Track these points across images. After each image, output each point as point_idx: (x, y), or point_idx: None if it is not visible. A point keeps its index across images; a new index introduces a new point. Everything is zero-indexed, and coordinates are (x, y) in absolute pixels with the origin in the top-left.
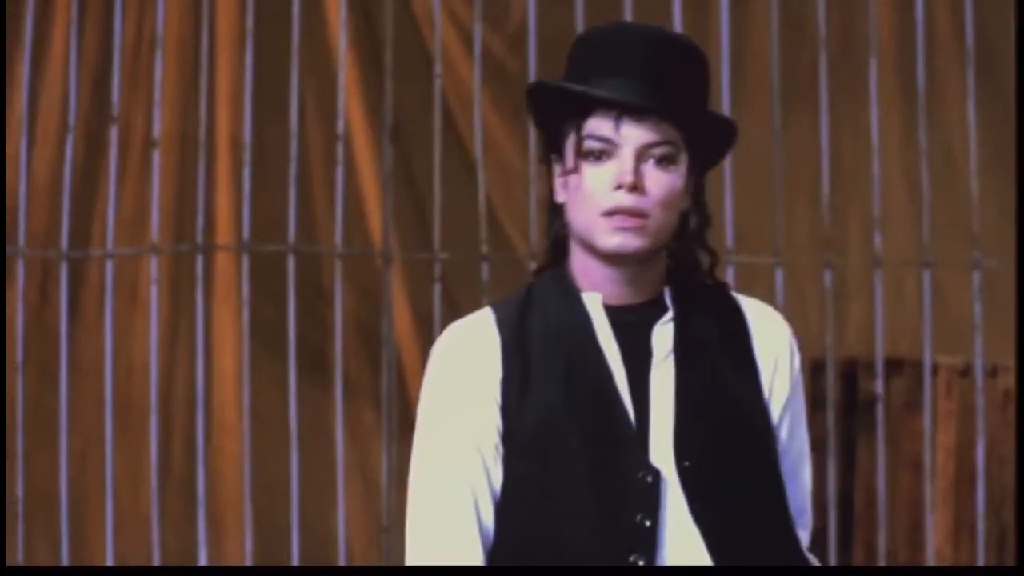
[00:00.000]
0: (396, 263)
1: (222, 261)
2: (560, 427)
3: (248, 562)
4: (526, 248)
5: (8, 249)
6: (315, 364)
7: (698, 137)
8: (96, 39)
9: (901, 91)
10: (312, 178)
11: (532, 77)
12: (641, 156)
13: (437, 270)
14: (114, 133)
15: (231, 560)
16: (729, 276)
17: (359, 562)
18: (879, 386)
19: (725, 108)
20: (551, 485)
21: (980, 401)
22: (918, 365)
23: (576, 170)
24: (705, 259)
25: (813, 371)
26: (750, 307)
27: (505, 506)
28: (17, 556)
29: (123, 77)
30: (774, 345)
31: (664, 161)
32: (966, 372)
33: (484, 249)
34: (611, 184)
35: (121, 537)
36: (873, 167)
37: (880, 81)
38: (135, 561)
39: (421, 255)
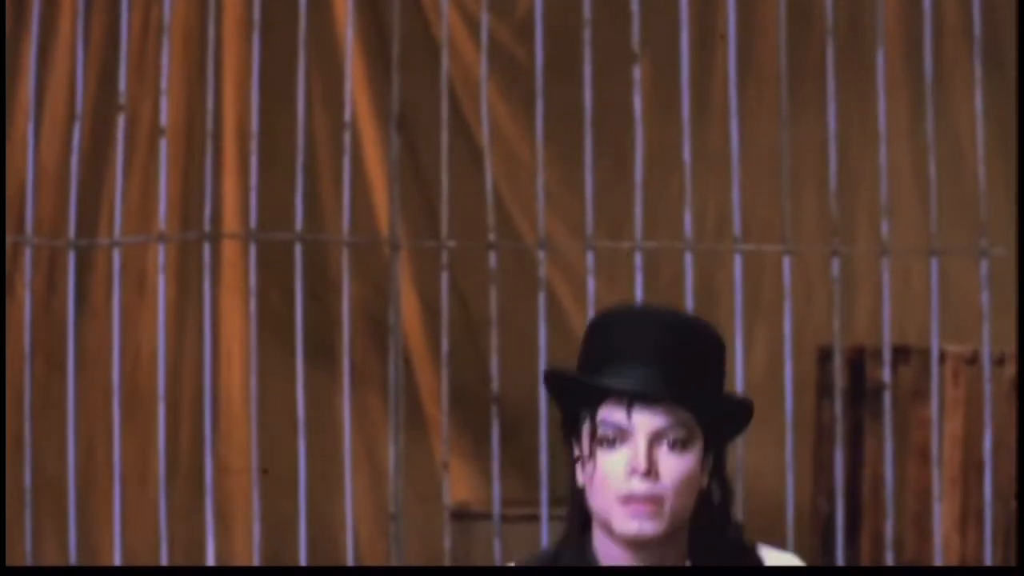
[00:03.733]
0: (403, 251)
1: (229, 249)
2: None
3: (256, 550)
4: (533, 236)
5: (16, 238)
6: (322, 353)
7: (712, 419)
8: (103, 27)
9: (908, 80)
10: (319, 166)
11: (539, 65)
12: (654, 441)
13: (444, 258)
14: (121, 122)
15: (239, 548)
16: (736, 265)
17: (367, 550)
18: (886, 374)
19: (732, 99)
20: None
21: (987, 389)
22: (925, 353)
23: (592, 456)
24: (732, 531)
25: (820, 359)
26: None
27: None
28: (25, 545)
29: (130, 66)
30: None
31: (677, 445)
32: (973, 360)
33: (491, 237)
34: (625, 470)
35: (129, 526)
36: (880, 156)
37: (887, 70)
38: (142, 549)
39: (428, 243)
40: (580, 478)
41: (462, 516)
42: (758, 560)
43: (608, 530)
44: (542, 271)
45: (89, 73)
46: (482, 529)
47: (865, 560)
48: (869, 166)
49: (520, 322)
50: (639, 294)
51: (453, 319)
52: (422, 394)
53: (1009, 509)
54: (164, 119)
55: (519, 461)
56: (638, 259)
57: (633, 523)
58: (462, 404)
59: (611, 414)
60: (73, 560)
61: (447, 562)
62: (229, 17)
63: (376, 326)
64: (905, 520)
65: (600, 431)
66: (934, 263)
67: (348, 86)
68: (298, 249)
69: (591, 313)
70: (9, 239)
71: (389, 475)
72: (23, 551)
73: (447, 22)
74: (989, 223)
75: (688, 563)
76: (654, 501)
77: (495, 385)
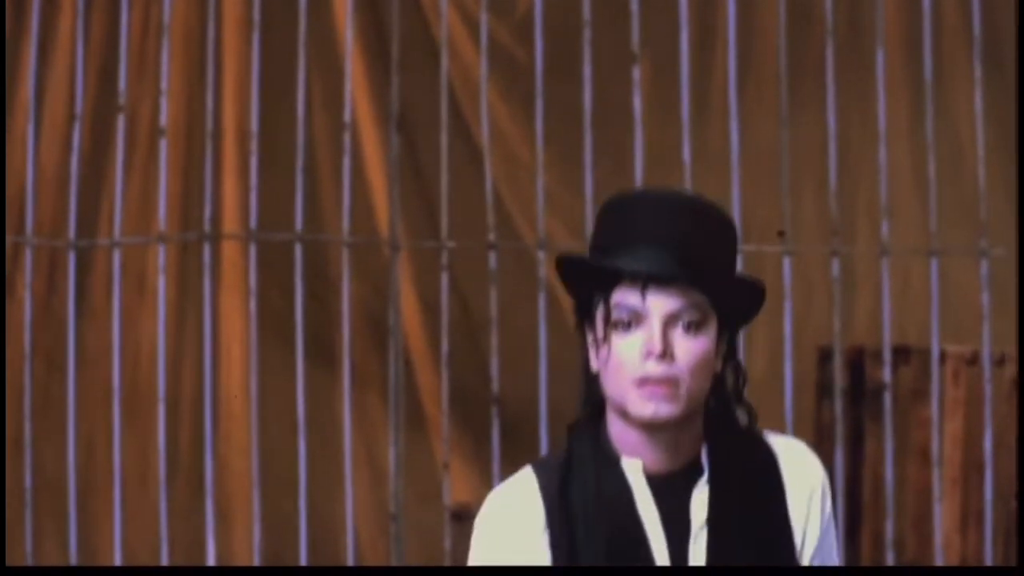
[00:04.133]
0: (403, 252)
1: (229, 250)
2: None
3: (256, 550)
4: (533, 236)
5: (16, 238)
6: (322, 353)
7: (726, 300)
8: (103, 28)
9: (908, 80)
10: (319, 167)
11: (539, 65)
12: (669, 323)
13: (444, 258)
14: (121, 122)
15: (239, 548)
16: (736, 264)
17: (367, 550)
18: (886, 374)
19: (732, 98)
20: None
21: (988, 390)
22: (925, 353)
23: (606, 340)
24: (743, 416)
25: (820, 359)
26: (784, 452)
27: None
28: (25, 546)
29: (130, 66)
30: (806, 492)
31: (692, 327)
32: (974, 360)
33: (491, 237)
34: (641, 353)
35: (129, 526)
36: (880, 155)
37: (887, 70)
38: (143, 550)
39: (428, 244)
40: (594, 364)
41: (462, 516)
42: (768, 448)
43: (623, 414)
44: (542, 271)
45: (89, 73)
46: None
47: (865, 560)
48: (869, 166)
49: (520, 322)
50: None
51: (453, 319)
52: (422, 394)
53: (1009, 509)
54: (164, 119)
55: (519, 461)
56: None
57: (649, 405)
58: (462, 404)
59: (625, 297)
60: (73, 560)
61: (447, 562)
62: (229, 17)
63: (376, 326)
64: (905, 520)
65: (614, 314)
66: (934, 263)
67: (348, 86)
68: (298, 249)
69: None
70: (9, 239)
71: (389, 475)
72: (23, 551)
73: (447, 22)
74: (989, 223)
75: (703, 447)
76: (670, 383)
77: (495, 385)
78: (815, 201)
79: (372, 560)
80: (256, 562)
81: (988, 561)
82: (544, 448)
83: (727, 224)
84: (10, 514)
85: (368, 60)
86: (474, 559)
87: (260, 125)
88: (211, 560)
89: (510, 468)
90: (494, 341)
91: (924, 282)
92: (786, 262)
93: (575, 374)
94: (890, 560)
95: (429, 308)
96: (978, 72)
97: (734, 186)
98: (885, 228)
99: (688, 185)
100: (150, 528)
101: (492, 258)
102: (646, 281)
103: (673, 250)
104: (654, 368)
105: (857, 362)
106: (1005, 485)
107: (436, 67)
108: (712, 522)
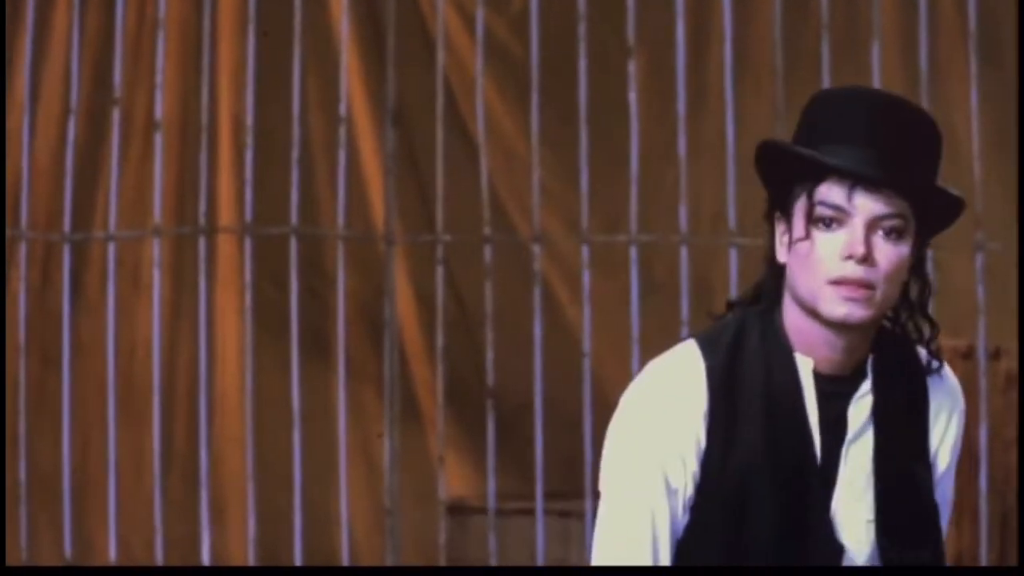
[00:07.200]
0: (398, 246)
1: (224, 243)
2: (756, 490)
3: (251, 544)
4: (528, 230)
5: (11, 232)
6: (317, 347)
7: (927, 210)
8: (98, 21)
9: (904, 74)
10: (314, 161)
11: (535, 60)
12: (872, 227)
13: (439, 252)
14: (116, 115)
15: (234, 542)
16: (732, 258)
17: (362, 544)
18: None
19: (728, 92)
20: (741, 542)
21: (983, 383)
22: None
23: (807, 235)
24: (926, 328)
25: None
26: (931, 371)
27: (688, 548)
28: (20, 538)
29: (125, 59)
30: (945, 415)
31: (894, 233)
32: (968, 354)
33: (487, 231)
34: (840, 253)
35: (124, 519)
36: None
37: (883, 64)
38: (138, 543)
39: (423, 238)
40: (781, 256)
41: (458, 510)
42: (921, 365)
43: (811, 311)
44: (537, 265)
45: (84, 66)
46: (478, 523)
47: None
48: None
49: (515, 316)
50: (634, 288)
51: (448, 313)
52: (417, 388)
53: (1005, 502)
54: (159, 113)
55: (515, 455)
56: (633, 253)
57: (843, 307)
58: (458, 398)
59: (830, 194)
60: (68, 552)
61: (442, 557)
62: (224, 11)
63: (371, 320)
64: None
65: (818, 211)
66: (929, 257)
67: (343, 80)
68: (293, 243)
69: (586, 307)
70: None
71: (384, 469)
72: (19, 545)
73: (443, 17)
74: (985, 217)
75: (870, 356)
76: (867, 286)
77: (490, 379)
78: None
79: (367, 554)
80: (251, 556)
81: (983, 554)
82: (540, 442)
83: (935, 130)
84: (5, 508)
85: (364, 54)
86: (619, 432)
87: (255, 119)
88: (206, 554)
89: (505, 462)
90: (489, 335)
91: None
92: None
93: (571, 368)
94: None
95: (424, 302)
96: (974, 66)
97: (730, 180)
98: None
99: (683, 180)
100: (145, 522)
101: (487, 252)
102: (855, 181)
103: (884, 153)
104: (853, 270)
105: None
106: (1000, 478)
107: (432, 61)
108: (874, 431)
